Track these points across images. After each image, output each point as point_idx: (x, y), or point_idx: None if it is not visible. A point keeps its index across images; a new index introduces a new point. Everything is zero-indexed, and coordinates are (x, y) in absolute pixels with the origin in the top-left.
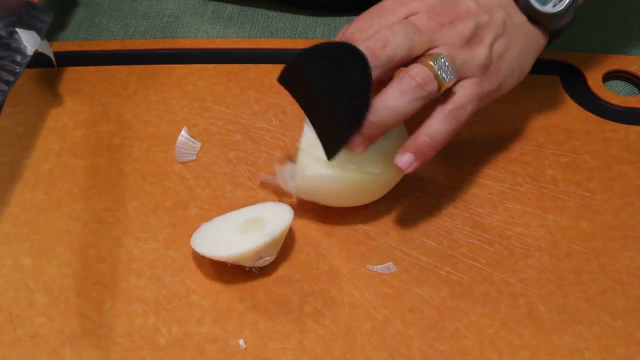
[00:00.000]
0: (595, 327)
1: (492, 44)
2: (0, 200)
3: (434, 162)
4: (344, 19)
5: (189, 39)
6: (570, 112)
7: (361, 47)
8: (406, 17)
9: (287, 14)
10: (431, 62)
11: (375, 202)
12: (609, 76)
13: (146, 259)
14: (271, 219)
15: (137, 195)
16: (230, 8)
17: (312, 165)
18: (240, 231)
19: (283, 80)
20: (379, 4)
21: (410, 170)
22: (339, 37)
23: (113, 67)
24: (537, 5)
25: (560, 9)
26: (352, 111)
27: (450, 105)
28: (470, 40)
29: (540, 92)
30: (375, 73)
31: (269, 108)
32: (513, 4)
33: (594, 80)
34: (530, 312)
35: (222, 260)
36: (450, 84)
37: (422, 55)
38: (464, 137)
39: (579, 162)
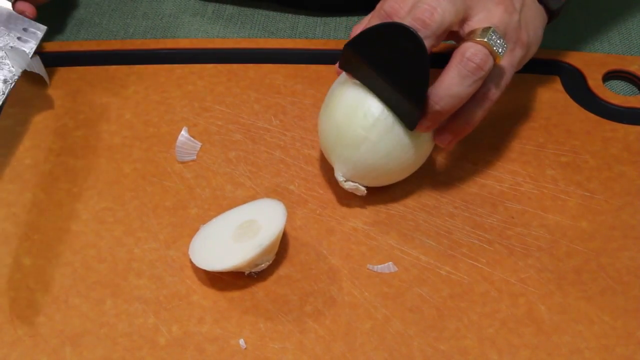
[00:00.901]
0: (595, 326)
1: (520, 10)
2: (1, 200)
3: (434, 162)
4: (343, 18)
5: (189, 39)
6: (570, 112)
7: (409, 20)
8: None
9: (287, 14)
10: (485, 39)
11: (375, 202)
12: (609, 76)
13: (146, 259)
14: (265, 223)
15: (137, 195)
16: (230, 8)
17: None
18: (235, 238)
19: (345, 67)
20: None
21: (450, 147)
22: (377, 14)
23: (113, 67)
24: None
25: None
26: (416, 87)
27: (485, 88)
28: (503, 2)
29: (540, 92)
30: (429, 43)
31: (269, 108)
32: None
33: (594, 80)
34: (530, 312)
35: (218, 271)
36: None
37: (468, 28)
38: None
39: (579, 162)
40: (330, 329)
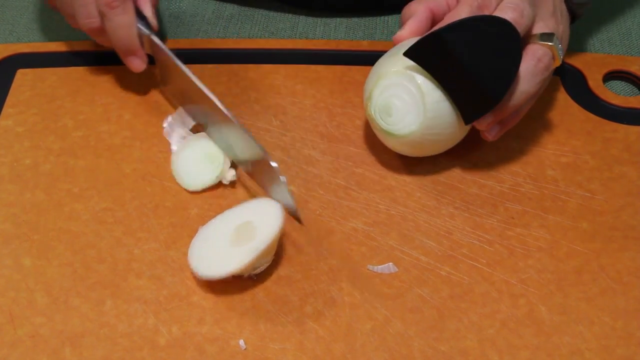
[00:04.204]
0: (595, 327)
1: (561, 22)
2: (1, 201)
3: (434, 162)
4: (344, 19)
5: (189, 39)
6: (571, 112)
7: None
8: None
9: (287, 14)
10: (551, 43)
11: (376, 202)
12: (609, 76)
13: (146, 259)
14: (261, 225)
15: (137, 196)
16: (230, 8)
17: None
18: (232, 242)
19: (411, 54)
20: None
21: (496, 138)
22: (467, 5)
23: (113, 67)
24: None
25: None
26: (500, 83)
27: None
28: (554, 13)
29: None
30: None
31: (269, 108)
32: None
33: (594, 80)
34: (530, 313)
35: (217, 278)
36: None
37: (532, 32)
38: (464, 137)
39: (580, 162)
40: (330, 330)
